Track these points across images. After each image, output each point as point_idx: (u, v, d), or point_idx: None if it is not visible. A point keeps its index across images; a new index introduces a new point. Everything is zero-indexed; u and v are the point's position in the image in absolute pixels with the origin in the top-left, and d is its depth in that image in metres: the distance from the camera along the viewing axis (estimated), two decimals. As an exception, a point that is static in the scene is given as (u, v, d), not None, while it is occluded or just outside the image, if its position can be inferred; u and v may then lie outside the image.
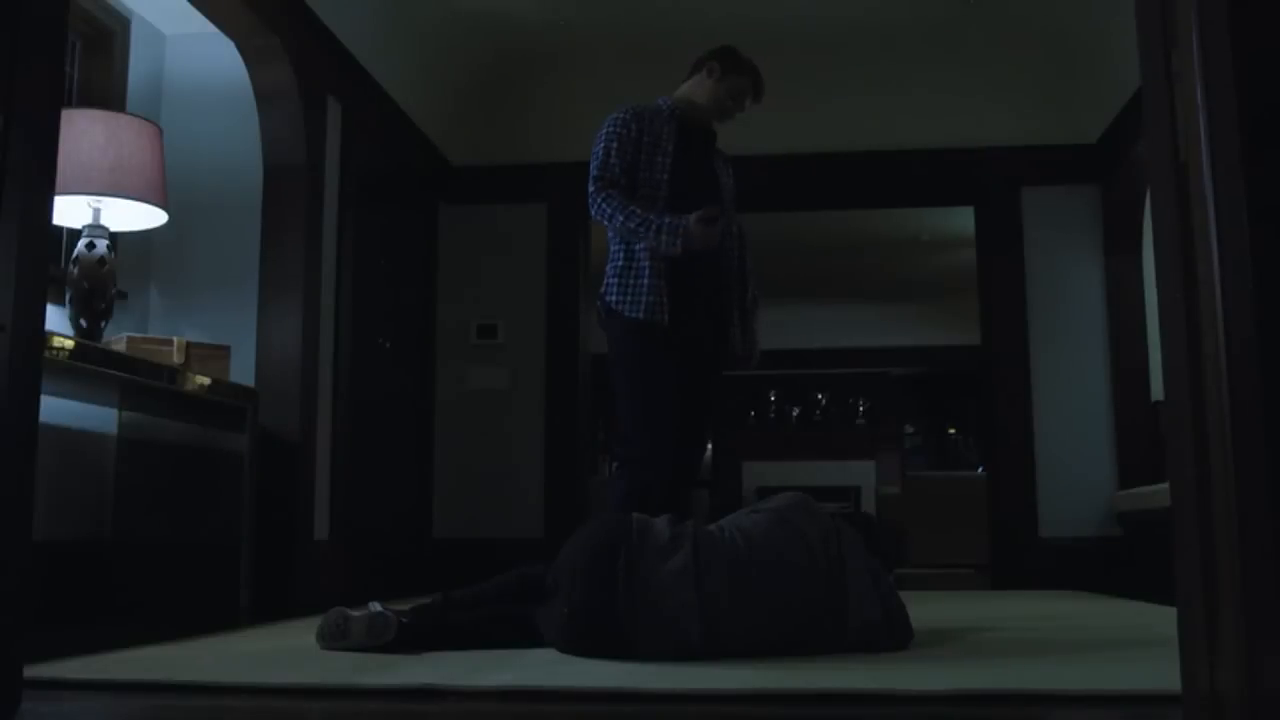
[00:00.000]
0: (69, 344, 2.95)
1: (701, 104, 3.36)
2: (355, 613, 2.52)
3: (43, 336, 1.89)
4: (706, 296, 3.27)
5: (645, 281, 3.16)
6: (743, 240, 3.50)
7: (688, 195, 3.22)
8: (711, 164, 3.39)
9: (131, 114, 3.65)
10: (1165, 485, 1.60)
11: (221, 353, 3.69)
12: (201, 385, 3.52)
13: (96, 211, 3.34)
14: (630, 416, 3.18)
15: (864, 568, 2.45)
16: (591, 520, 2.70)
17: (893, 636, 2.44)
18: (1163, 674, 1.82)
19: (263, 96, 4.20)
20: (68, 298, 3.29)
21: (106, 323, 3.34)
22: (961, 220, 6.78)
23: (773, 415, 12.60)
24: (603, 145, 3.21)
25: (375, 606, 2.53)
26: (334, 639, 2.50)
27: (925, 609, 3.24)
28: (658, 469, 3.12)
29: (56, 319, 3.36)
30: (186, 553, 3.96)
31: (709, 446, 12.48)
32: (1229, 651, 1.36)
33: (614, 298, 3.19)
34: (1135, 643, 2.71)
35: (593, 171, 3.19)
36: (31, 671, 1.90)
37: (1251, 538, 1.34)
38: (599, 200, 3.14)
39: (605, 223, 3.16)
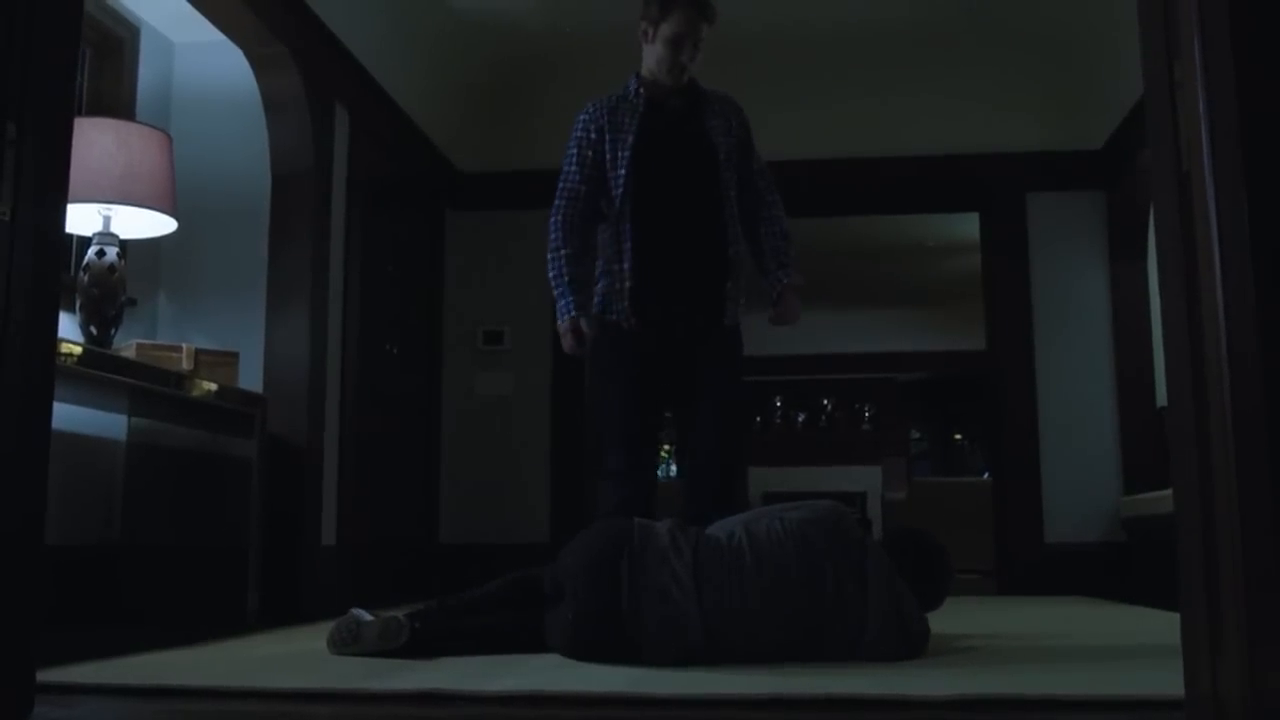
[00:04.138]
0: (77, 350, 2.96)
1: (655, 72, 3.12)
2: (367, 617, 2.53)
3: (55, 344, 1.91)
4: (681, 278, 3.08)
5: (601, 283, 3.11)
6: (759, 188, 3.23)
7: (654, 180, 3.08)
8: (699, 125, 3.13)
9: (141, 122, 3.67)
10: (1170, 491, 1.61)
11: (230, 359, 3.71)
12: (209, 391, 3.54)
13: (106, 219, 3.36)
14: (600, 427, 3.13)
15: (886, 590, 2.40)
16: (593, 525, 2.70)
17: (907, 651, 2.42)
18: (1166, 679, 1.82)
19: (270, 104, 4.22)
20: (78, 305, 3.31)
21: (116, 329, 3.37)
22: (967, 225, 6.78)
23: (779, 421, 12.61)
24: (566, 158, 3.16)
25: (362, 615, 2.55)
26: (346, 644, 2.51)
27: (929, 614, 3.24)
28: (633, 484, 3.00)
29: (67, 326, 3.38)
30: (194, 558, 3.97)
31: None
32: (1231, 657, 1.37)
33: (598, 303, 3.15)
34: (1139, 648, 2.71)
35: (558, 188, 3.16)
36: (43, 675, 1.91)
37: (1254, 543, 1.35)
38: (551, 234, 3.17)
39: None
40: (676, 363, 3.10)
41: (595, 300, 3.14)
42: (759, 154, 3.30)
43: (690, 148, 3.13)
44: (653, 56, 3.12)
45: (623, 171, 3.07)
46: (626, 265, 3.06)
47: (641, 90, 3.16)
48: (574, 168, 3.15)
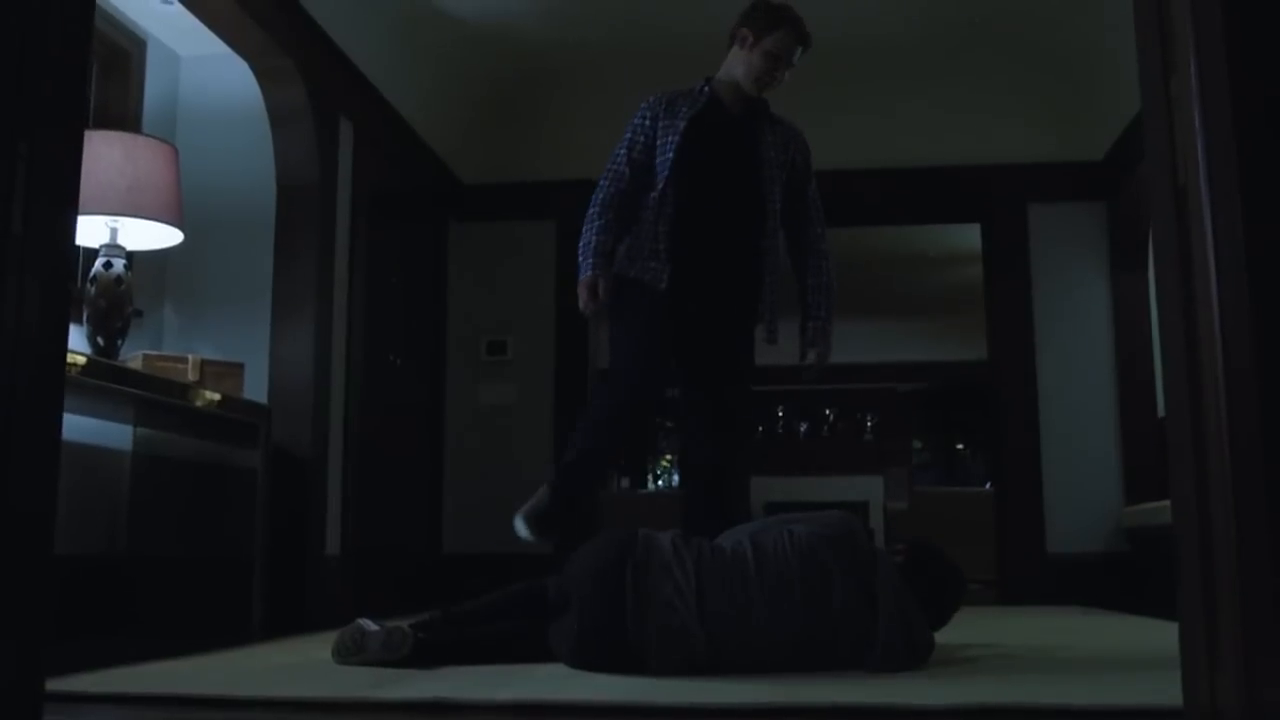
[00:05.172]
0: (80, 360, 2.98)
1: (741, 78, 3.20)
2: (372, 627, 2.55)
3: (65, 356, 1.93)
4: (711, 268, 3.17)
5: (646, 246, 3.15)
6: (811, 218, 3.33)
7: (698, 171, 3.15)
8: (752, 140, 3.22)
9: (148, 135, 3.70)
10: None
11: (235, 370, 3.73)
12: (214, 402, 3.56)
13: (114, 231, 3.38)
14: (614, 358, 3.20)
15: (894, 604, 2.40)
16: (597, 536, 2.71)
17: (912, 662, 2.43)
18: (1166, 690, 1.84)
19: (276, 116, 4.25)
20: (85, 316, 3.33)
21: (123, 341, 3.39)
22: (968, 236, 6.80)
23: (781, 430, 12.60)
24: (620, 142, 3.22)
25: (367, 624, 2.56)
26: (350, 654, 2.53)
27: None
28: (643, 393, 3.14)
29: (74, 337, 3.40)
30: (199, 568, 3.99)
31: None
32: (1229, 667, 1.38)
33: (622, 250, 3.21)
34: (1141, 658, 2.72)
35: (606, 169, 3.21)
36: (50, 685, 1.93)
37: (1250, 556, 1.36)
38: (591, 206, 3.18)
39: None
40: (691, 345, 3.18)
41: (621, 258, 3.19)
42: (816, 190, 3.37)
43: (737, 152, 3.22)
44: (743, 63, 3.20)
45: (669, 155, 3.13)
46: (663, 234, 3.12)
47: (708, 89, 3.24)
48: (623, 152, 3.20)
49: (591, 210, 3.20)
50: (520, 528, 3.11)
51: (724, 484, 3.20)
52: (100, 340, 3.32)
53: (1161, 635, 3.25)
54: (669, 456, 13.13)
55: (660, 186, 3.14)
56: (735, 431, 3.24)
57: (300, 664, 2.66)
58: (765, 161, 3.21)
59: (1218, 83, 1.46)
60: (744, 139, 3.23)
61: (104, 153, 3.31)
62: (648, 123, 3.20)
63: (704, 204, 3.16)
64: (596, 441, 3.16)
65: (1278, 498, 1.34)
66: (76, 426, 3.64)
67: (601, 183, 3.21)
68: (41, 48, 1.84)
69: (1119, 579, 5.28)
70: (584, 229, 3.19)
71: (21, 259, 1.76)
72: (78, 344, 3.34)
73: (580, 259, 3.16)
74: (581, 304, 3.15)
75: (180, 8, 3.86)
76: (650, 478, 13.42)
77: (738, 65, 3.21)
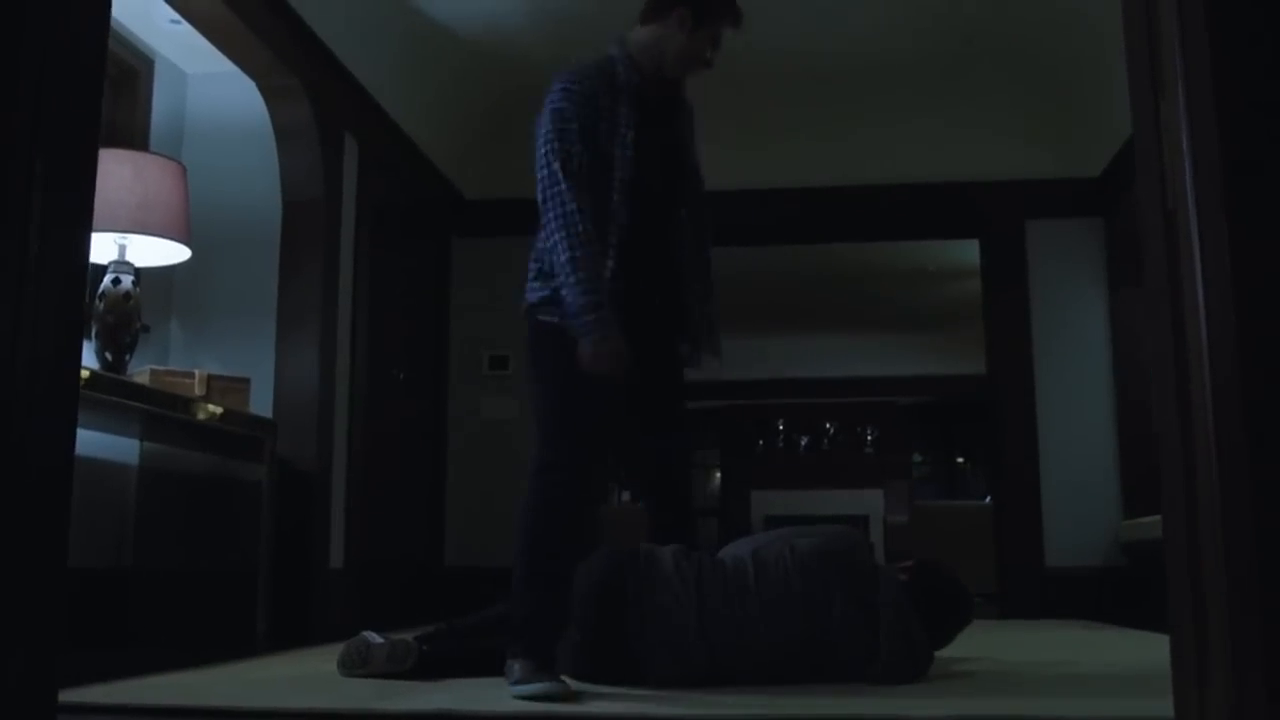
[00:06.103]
0: (88, 375, 3.01)
1: (671, 60, 2.65)
2: (377, 639, 2.57)
3: (79, 371, 1.96)
4: (656, 304, 2.65)
5: (549, 284, 2.51)
6: (702, 213, 2.76)
7: (648, 186, 2.57)
8: (675, 129, 2.72)
9: (157, 153, 3.75)
10: (1162, 517, 1.65)
11: (241, 385, 3.76)
12: (219, 416, 3.59)
13: (122, 248, 3.42)
14: (546, 424, 2.51)
15: (896, 619, 2.42)
16: (600, 550, 2.73)
17: (913, 675, 2.45)
18: (1160, 705, 1.86)
19: (282, 134, 4.30)
20: (94, 332, 3.37)
21: (130, 356, 3.42)
22: (967, 250, 6.84)
23: (781, 444, 12.63)
24: (554, 126, 2.51)
25: (372, 637, 2.59)
26: (355, 666, 2.56)
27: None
28: (569, 478, 2.46)
29: (82, 352, 3.43)
30: (205, 580, 4.02)
31: (718, 476, 12.53)
32: (1218, 679, 1.42)
33: (536, 298, 2.54)
34: (1137, 673, 2.75)
35: (552, 161, 2.48)
36: (60, 696, 1.96)
37: (1236, 569, 1.39)
38: (561, 205, 2.44)
39: (550, 222, 2.45)
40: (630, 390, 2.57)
41: (541, 300, 2.53)
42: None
43: (670, 158, 2.70)
44: (676, 44, 2.63)
45: (618, 174, 2.53)
46: (610, 267, 2.48)
47: (631, 66, 2.64)
48: (574, 140, 2.50)
49: (565, 201, 2.44)
50: (523, 690, 2.24)
51: (681, 483, 2.76)
52: (108, 355, 3.36)
53: (1158, 649, 3.26)
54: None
55: (612, 204, 2.50)
56: (682, 434, 2.78)
57: (305, 676, 2.69)
58: (687, 164, 2.73)
59: (1204, 107, 1.50)
60: (670, 138, 2.70)
61: (113, 170, 3.35)
62: (574, 126, 2.51)
63: (648, 216, 2.58)
64: (538, 558, 2.41)
65: (1263, 511, 1.37)
66: (84, 441, 3.66)
67: (555, 161, 2.47)
68: (58, 69, 1.88)
69: (1117, 593, 5.30)
70: (563, 232, 2.42)
71: (38, 277, 1.79)
72: (86, 359, 3.37)
73: (576, 286, 2.40)
74: (605, 367, 2.39)
75: (188, 26, 3.90)
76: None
77: (668, 45, 2.63)
